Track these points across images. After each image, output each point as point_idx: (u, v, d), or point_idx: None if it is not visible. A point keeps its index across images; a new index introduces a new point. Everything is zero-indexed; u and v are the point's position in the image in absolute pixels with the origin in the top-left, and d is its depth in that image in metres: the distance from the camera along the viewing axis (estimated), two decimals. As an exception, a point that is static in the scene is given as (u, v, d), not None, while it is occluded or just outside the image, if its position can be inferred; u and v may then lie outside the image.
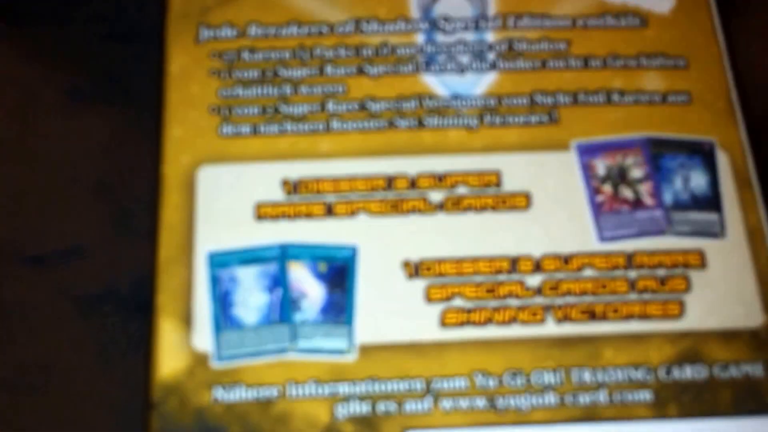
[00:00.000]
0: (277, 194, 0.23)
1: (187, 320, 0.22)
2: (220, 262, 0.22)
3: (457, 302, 0.22)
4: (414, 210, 0.23)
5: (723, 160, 0.23)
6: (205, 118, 0.24)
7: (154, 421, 0.21)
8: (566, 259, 0.22)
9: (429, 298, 0.22)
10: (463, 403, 0.21)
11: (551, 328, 0.22)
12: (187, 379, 0.21)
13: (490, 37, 0.25)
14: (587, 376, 0.21)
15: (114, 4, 0.30)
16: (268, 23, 0.25)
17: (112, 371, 0.25)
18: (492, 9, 0.25)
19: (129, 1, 0.30)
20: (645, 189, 0.23)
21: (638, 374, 0.21)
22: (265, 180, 0.23)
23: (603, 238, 0.23)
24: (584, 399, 0.21)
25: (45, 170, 0.28)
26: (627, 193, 0.23)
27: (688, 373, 0.21)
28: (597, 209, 0.23)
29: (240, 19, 0.25)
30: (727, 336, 0.22)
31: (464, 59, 0.25)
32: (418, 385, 0.21)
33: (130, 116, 0.28)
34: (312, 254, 0.22)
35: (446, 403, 0.21)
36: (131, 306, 0.26)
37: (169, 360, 0.21)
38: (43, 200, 0.27)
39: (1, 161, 0.28)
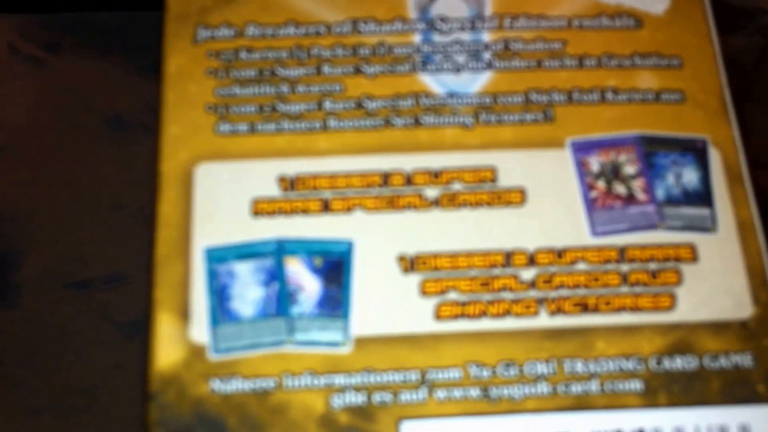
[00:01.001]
0: (274, 191, 0.23)
1: (184, 314, 0.22)
2: (217, 257, 0.23)
3: (452, 296, 0.22)
4: (410, 206, 0.23)
5: (715, 157, 0.24)
6: (203, 116, 0.24)
7: (153, 412, 0.21)
8: (560, 253, 0.23)
9: (424, 292, 0.22)
10: (457, 393, 0.21)
11: (544, 320, 0.22)
12: (185, 371, 0.21)
13: (487, 37, 0.25)
14: (579, 367, 0.21)
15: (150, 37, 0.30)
16: (266, 23, 0.25)
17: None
18: (488, 10, 0.26)
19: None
20: (638, 185, 0.23)
21: (629, 365, 0.21)
22: (261, 177, 0.23)
23: (596, 233, 0.23)
24: (576, 388, 0.21)
25: (89, 198, 0.28)
26: (620, 189, 0.23)
27: (679, 363, 0.21)
28: (590, 205, 0.23)
29: (238, 20, 0.25)
30: (718, 327, 0.22)
31: (460, 59, 0.25)
32: (413, 376, 0.21)
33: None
34: (308, 249, 0.23)
35: (441, 393, 0.21)
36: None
37: (167, 352, 0.22)
38: (86, 227, 0.28)
39: (45, 189, 0.29)
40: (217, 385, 0.21)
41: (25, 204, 0.29)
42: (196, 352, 0.21)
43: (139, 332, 0.25)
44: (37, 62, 0.30)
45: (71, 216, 0.28)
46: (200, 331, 0.22)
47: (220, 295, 0.22)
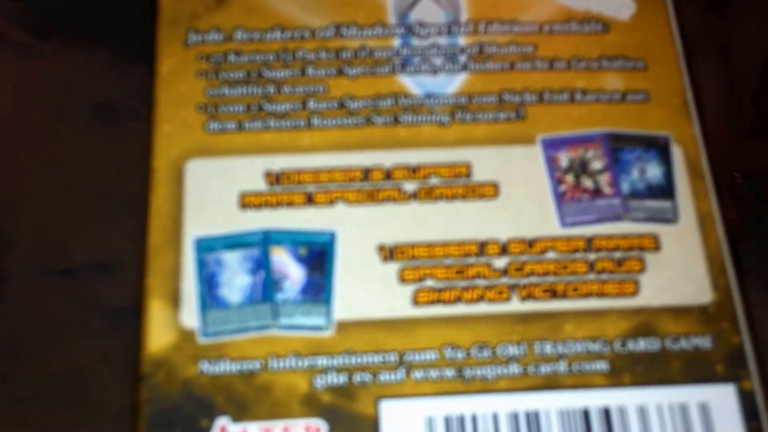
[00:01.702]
0: (261, 185, 0.24)
1: (175, 300, 0.23)
2: (206, 247, 0.24)
3: (429, 282, 0.23)
4: (389, 199, 0.24)
5: (677, 153, 0.25)
6: (193, 115, 0.25)
7: (144, 392, 0.22)
8: (530, 243, 0.24)
9: (402, 279, 0.23)
10: (433, 373, 0.22)
11: (516, 305, 0.23)
12: (175, 354, 0.22)
13: (462, 41, 0.27)
14: (548, 348, 0.23)
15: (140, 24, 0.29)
16: (253, 28, 0.26)
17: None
18: (464, 15, 0.27)
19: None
20: (604, 179, 0.25)
21: (595, 346, 0.23)
22: (249, 172, 0.25)
23: (565, 224, 0.24)
24: (545, 369, 0.22)
25: (75, 186, 0.28)
26: (588, 183, 0.25)
27: (642, 345, 0.23)
28: (560, 198, 0.24)
29: (227, 25, 0.26)
30: (679, 312, 0.23)
31: (437, 61, 0.26)
32: (392, 358, 0.22)
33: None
34: (293, 239, 0.24)
35: (417, 374, 0.22)
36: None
37: (158, 336, 0.23)
38: (73, 215, 0.28)
39: (31, 176, 0.28)
40: (205, 367, 0.22)
41: (11, 192, 0.28)
42: (186, 336, 0.23)
43: (126, 321, 0.25)
44: (25, 49, 0.30)
45: (57, 204, 0.28)
46: (190, 316, 0.23)
47: (208, 283, 0.23)
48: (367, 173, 0.24)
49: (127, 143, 0.29)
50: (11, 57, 0.31)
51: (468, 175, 0.25)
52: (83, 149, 0.29)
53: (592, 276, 0.23)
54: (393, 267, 0.23)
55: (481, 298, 0.23)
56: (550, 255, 0.24)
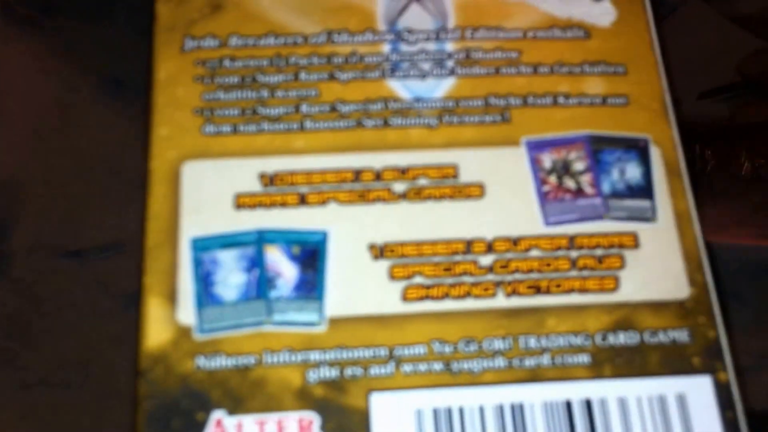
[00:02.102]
0: (255, 186, 0.25)
1: (172, 298, 0.24)
2: (202, 246, 0.25)
3: (418, 279, 0.24)
4: (379, 199, 0.25)
5: (656, 155, 0.26)
6: (190, 118, 0.26)
7: (142, 387, 0.23)
8: (515, 242, 0.25)
9: (392, 276, 0.24)
10: (422, 367, 0.23)
11: (501, 301, 0.24)
12: (173, 350, 0.23)
13: (450, 47, 0.27)
14: (533, 342, 0.24)
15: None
16: (248, 35, 0.27)
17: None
18: (452, 22, 0.28)
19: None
20: (586, 180, 0.26)
21: (577, 340, 0.24)
22: (244, 173, 0.25)
23: (548, 223, 0.25)
24: (530, 362, 0.23)
25: (84, 163, 0.27)
26: (570, 183, 0.26)
27: (622, 339, 0.24)
28: (543, 197, 0.25)
29: (222, 31, 0.27)
30: (657, 306, 0.24)
31: (426, 66, 0.27)
32: (382, 352, 0.23)
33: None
34: (286, 238, 0.25)
35: (407, 368, 0.23)
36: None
37: (156, 333, 0.23)
38: (81, 194, 0.27)
39: (38, 154, 0.27)
40: (201, 362, 0.23)
41: (17, 170, 0.27)
42: (183, 333, 0.23)
43: (134, 304, 0.25)
44: (32, 24, 0.29)
45: (65, 182, 0.27)
46: (186, 313, 0.24)
47: (205, 281, 0.24)
48: (358, 174, 0.25)
49: (135, 119, 0.28)
50: (17, 32, 0.30)
51: (455, 176, 0.25)
52: (91, 125, 0.28)
53: (574, 273, 0.24)
54: (383, 265, 0.24)
55: (467, 295, 0.24)
56: (534, 253, 0.25)
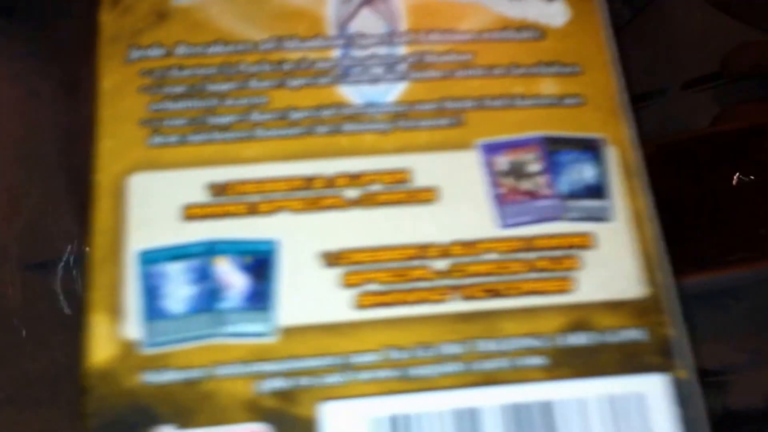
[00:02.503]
0: (205, 196, 0.25)
1: (118, 312, 0.23)
2: (149, 259, 0.24)
3: (372, 287, 0.24)
4: (332, 206, 0.25)
5: (612, 154, 0.26)
6: (136, 130, 0.25)
7: (88, 404, 0.22)
8: (471, 245, 0.24)
9: (346, 284, 0.24)
10: (377, 374, 0.23)
11: (457, 305, 0.23)
12: (119, 365, 0.22)
13: (402, 50, 0.27)
14: (489, 345, 0.23)
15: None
16: (195, 43, 0.27)
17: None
18: (403, 25, 0.27)
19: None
20: (542, 181, 0.25)
21: (535, 342, 0.23)
22: (192, 184, 0.25)
23: (505, 225, 0.25)
24: (487, 365, 0.23)
25: (47, 170, 0.27)
26: (526, 185, 0.25)
27: (580, 339, 0.23)
28: (499, 200, 0.25)
29: (168, 40, 0.27)
30: (614, 306, 0.24)
31: (378, 71, 0.27)
32: (335, 361, 0.23)
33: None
34: (236, 249, 0.24)
35: (361, 375, 0.23)
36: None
37: (101, 349, 0.23)
38: (45, 203, 0.26)
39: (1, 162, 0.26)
40: (149, 377, 0.22)
41: None
42: (130, 348, 0.23)
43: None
44: None
45: (28, 191, 0.27)
46: (133, 328, 0.23)
47: (152, 294, 0.23)
48: (309, 182, 0.25)
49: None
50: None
51: (409, 181, 0.25)
52: (53, 130, 0.28)
53: (531, 275, 0.24)
54: (336, 272, 0.24)
55: (422, 300, 0.23)
56: (491, 256, 0.24)
